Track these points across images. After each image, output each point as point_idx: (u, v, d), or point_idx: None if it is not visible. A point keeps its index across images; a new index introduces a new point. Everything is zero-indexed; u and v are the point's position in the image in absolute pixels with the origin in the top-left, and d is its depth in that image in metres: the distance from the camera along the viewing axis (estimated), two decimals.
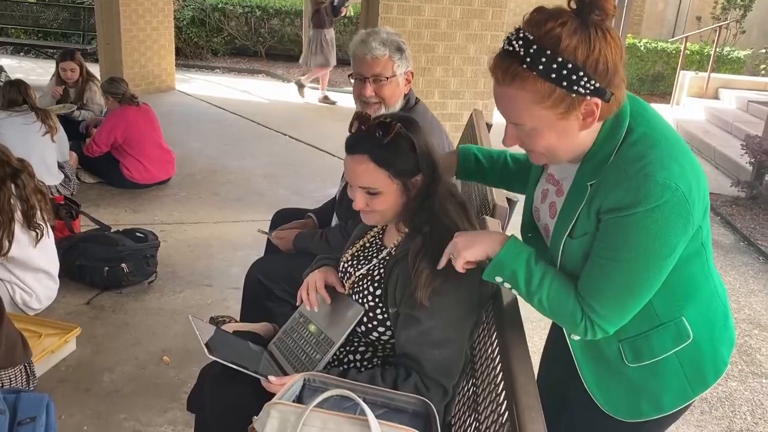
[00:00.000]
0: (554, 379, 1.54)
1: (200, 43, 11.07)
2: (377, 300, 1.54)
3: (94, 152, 4.64)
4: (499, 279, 1.31)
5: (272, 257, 2.46)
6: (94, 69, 7.97)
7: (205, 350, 1.47)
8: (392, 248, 1.58)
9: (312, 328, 1.63)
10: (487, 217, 1.95)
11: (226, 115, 7.46)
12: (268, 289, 2.20)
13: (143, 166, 4.69)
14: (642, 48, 10.56)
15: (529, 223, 1.51)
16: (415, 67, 4.13)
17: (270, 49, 11.39)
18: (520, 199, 1.71)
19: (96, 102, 5.34)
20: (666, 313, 1.30)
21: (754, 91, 8.92)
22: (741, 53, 10.58)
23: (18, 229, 2.76)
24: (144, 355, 2.77)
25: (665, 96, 9.82)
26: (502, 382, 1.25)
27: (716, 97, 9.13)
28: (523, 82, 1.12)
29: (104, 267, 3.20)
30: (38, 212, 2.89)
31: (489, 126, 3.17)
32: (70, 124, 4.95)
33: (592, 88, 1.12)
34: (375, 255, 1.62)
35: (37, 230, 2.88)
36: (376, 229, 1.69)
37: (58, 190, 4.24)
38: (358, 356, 1.60)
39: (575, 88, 1.11)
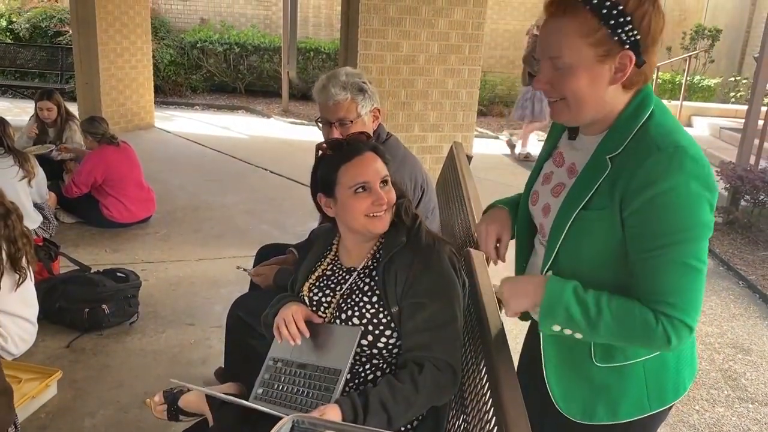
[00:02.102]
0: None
1: (179, 81, 11.09)
2: (377, 306, 1.58)
3: (73, 193, 4.60)
4: (557, 328, 1.24)
5: (254, 294, 2.44)
6: (73, 108, 7.96)
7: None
8: (368, 261, 1.65)
9: (302, 367, 1.61)
10: (472, 249, 1.96)
11: (206, 151, 7.45)
12: (251, 327, 2.18)
13: (123, 206, 4.65)
14: None
15: (523, 219, 1.49)
16: (395, 101, 4.21)
17: (249, 85, 11.45)
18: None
19: (75, 141, 5.31)
20: None
21: (726, 118, 9.14)
22: (711, 81, 10.85)
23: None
24: (126, 398, 2.72)
25: None
26: (494, 418, 1.25)
27: (689, 124, 9.34)
28: (575, 13, 1.18)
29: (84, 309, 3.16)
30: (24, 256, 2.86)
31: (469, 158, 3.20)
32: (48, 163, 4.91)
33: (633, 38, 1.17)
34: (344, 276, 1.67)
35: (20, 274, 2.84)
36: (330, 257, 1.74)
37: (36, 233, 4.18)
38: (368, 367, 1.61)
39: (619, 31, 1.17)
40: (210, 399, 1.65)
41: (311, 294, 1.70)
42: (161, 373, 2.93)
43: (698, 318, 1.21)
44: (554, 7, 1.21)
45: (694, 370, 1.41)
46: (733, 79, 11.03)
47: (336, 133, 2.23)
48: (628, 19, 1.16)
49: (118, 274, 3.42)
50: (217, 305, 3.55)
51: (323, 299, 1.67)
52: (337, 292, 1.65)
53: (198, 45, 11.13)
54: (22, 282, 2.85)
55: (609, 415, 1.35)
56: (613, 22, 1.16)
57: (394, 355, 1.60)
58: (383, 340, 1.58)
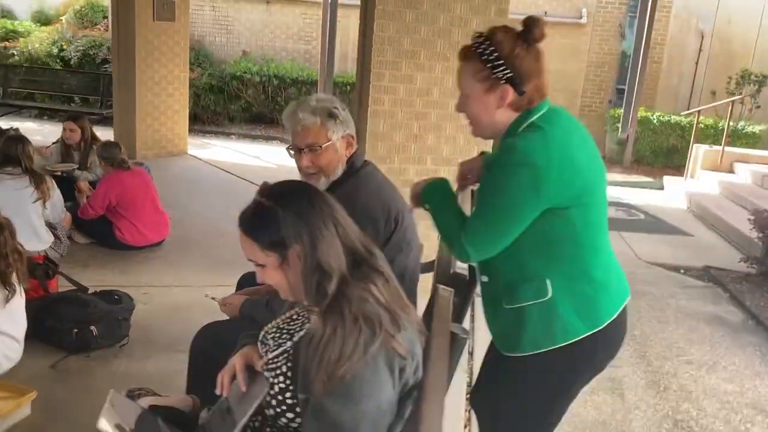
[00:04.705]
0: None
1: (218, 110, 11.32)
2: (288, 382, 1.44)
3: (88, 215, 4.65)
4: (428, 207, 1.79)
5: (221, 322, 2.36)
6: (110, 133, 8.19)
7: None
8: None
9: (228, 411, 1.52)
10: (441, 286, 1.86)
11: (233, 179, 7.51)
12: (215, 357, 2.08)
13: (136, 229, 4.68)
14: (655, 121, 10.54)
15: None
16: (407, 133, 4.14)
17: None
18: None
19: (98, 166, 5.40)
20: (534, 270, 1.69)
21: None
22: (757, 128, 10.49)
23: None
24: None
25: (680, 169, 9.71)
26: None
27: (731, 170, 9.00)
28: (470, 59, 1.66)
29: (73, 329, 3.12)
30: (14, 272, 2.86)
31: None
32: (69, 183, 5.00)
33: (507, 75, 1.62)
34: (297, 330, 1.52)
35: (9, 290, 2.84)
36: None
37: (46, 253, 4.21)
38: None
39: (495, 71, 1.62)
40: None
41: (268, 333, 1.60)
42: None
43: (479, 253, 1.68)
44: (461, 55, 1.70)
45: (595, 325, 1.69)
46: None
47: (305, 161, 2.15)
48: (501, 61, 1.61)
49: (115, 296, 3.40)
50: None
51: (269, 342, 1.56)
52: (280, 346, 1.52)
53: (238, 76, 11.36)
54: (11, 298, 2.84)
55: (516, 347, 1.74)
56: (490, 64, 1.62)
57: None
58: (284, 420, 1.46)
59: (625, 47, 11.93)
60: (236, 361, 1.57)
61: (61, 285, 3.64)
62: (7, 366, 2.92)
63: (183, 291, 4.10)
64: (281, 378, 1.45)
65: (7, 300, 2.83)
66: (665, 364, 3.72)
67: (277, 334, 1.56)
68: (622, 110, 10.69)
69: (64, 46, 11.31)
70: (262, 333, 1.60)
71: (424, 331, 1.49)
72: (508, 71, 1.60)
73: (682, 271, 5.54)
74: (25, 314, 3.02)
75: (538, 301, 1.68)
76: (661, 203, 8.31)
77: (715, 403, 3.34)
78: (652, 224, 7.17)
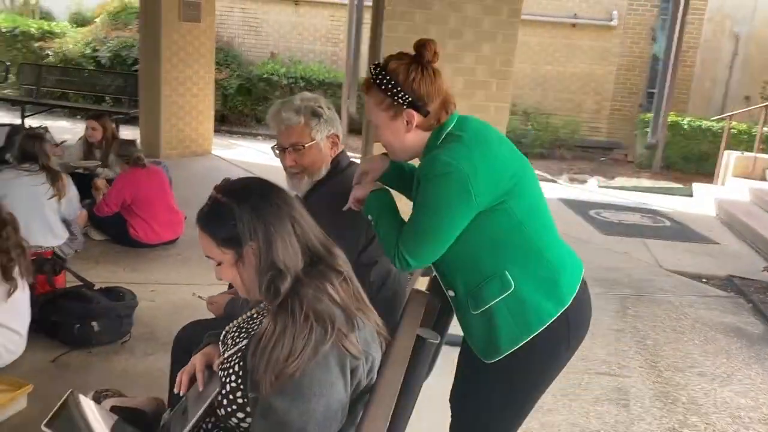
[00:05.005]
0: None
1: (245, 111, 11.43)
2: (239, 381, 1.42)
3: (104, 212, 4.71)
4: (370, 217, 1.81)
5: (205, 321, 2.35)
6: (137, 133, 8.33)
7: None
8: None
9: (184, 411, 1.51)
10: (415, 288, 1.82)
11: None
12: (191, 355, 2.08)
13: (150, 227, 4.73)
14: (686, 126, 10.31)
15: None
16: None
17: None
18: None
19: (116, 164, 5.48)
20: (491, 268, 1.71)
21: None
22: None
23: None
24: None
25: (711, 175, 9.47)
26: None
27: (764, 178, 8.74)
28: (372, 91, 1.73)
29: (75, 324, 3.16)
30: (16, 267, 2.91)
31: None
32: (90, 180, 5.09)
33: (407, 100, 1.68)
34: (255, 329, 1.50)
35: (10, 284, 2.89)
36: None
37: (61, 250, 4.29)
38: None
39: (395, 98, 1.69)
40: None
41: (228, 332, 1.59)
42: (135, 395, 2.87)
43: (418, 262, 1.71)
44: (363, 89, 1.77)
45: (562, 302, 1.72)
46: None
47: (289, 160, 2.14)
48: (399, 88, 1.67)
49: (119, 292, 3.43)
50: None
51: (228, 341, 1.55)
52: (236, 344, 1.51)
53: (265, 77, 11.45)
54: (12, 292, 2.89)
55: (495, 352, 1.73)
56: (389, 93, 1.69)
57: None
58: (234, 420, 1.44)
59: (657, 50, 11.69)
60: (196, 360, 1.56)
61: (69, 281, 3.69)
62: (8, 359, 2.97)
63: (189, 289, 4.11)
64: (233, 377, 1.43)
65: (9, 294, 2.88)
66: (676, 375, 3.60)
67: (236, 333, 1.55)
68: (651, 114, 10.47)
69: (97, 47, 11.55)
70: (224, 332, 1.59)
71: (383, 333, 1.46)
72: (408, 96, 1.67)
73: (704, 279, 5.38)
74: (29, 308, 3.08)
75: (504, 295, 1.70)
76: (689, 210, 8.11)
77: (726, 418, 3.22)
78: (677, 231, 6.99)
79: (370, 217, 1.82)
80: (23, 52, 11.98)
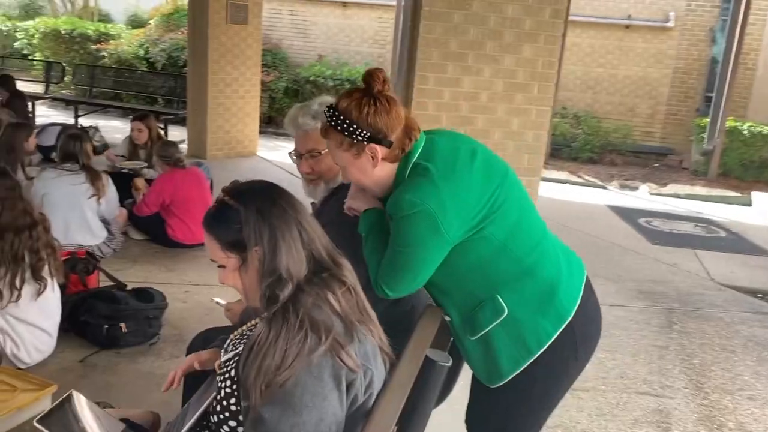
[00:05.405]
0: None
1: None
2: (234, 387, 1.36)
3: (143, 212, 4.77)
4: (363, 230, 1.76)
5: (220, 330, 2.30)
6: (184, 133, 8.47)
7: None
8: None
9: (184, 413, 1.47)
10: (430, 305, 1.73)
11: (296, 180, 7.50)
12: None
13: (187, 227, 4.75)
14: (745, 132, 9.85)
15: None
16: None
17: None
18: None
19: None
20: (482, 293, 1.66)
21: None
22: None
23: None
24: None
25: None
26: None
27: None
28: (330, 134, 1.67)
29: (104, 325, 3.18)
30: (45, 266, 2.94)
31: None
32: (126, 182, 5.15)
33: (365, 135, 1.62)
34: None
35: (41, 283, 2.92)
36: None
37: (100, 249, 4.34)
38: None
39: (354, 135, 1.62)
40: None
41: (231, 340, 1.55)
42: (162, 398, 2.85)
43: (395, 293, 1.68)
44: (322, 133, 1.71)
45: (560, 317, 1.66)
46: None
47: (305, 166, 2.08)
48: (355, 126, 1.61)
49: (149, 294, 3.44)
50: None
51: (230, 348, 1.50)
52: (236, 350, 1.47)
53: (312, 80, 11.49)
54: (42, 291, 2.92)
55: (497, 377, 1.68)
56: (346, 132, 1.62)
57: None
58: (226, 428, 1.39)
59: (716, 53, 11.21)
60: (189, 360, 1.53)
61: (102, 280, 3.72)
62: (37, 357, 3.00)
63: (222, 291, 4.10)
64: (228, 382, 1.39)
65: (38, 293, 2.91)
66: (723, 398, 3.39)
67: (238, 339, 1.51)
68: (708, 119, 10.05)
69: (150, 49, 11.80)
70: (229, 338, 1.54)
71: (387, 350, 1.38)
72: (365, 132, 1.61)
73: (759, 295, 5.09)
74: (59, 308, 3.11)
75: (499, 319, 1.64)
76: (747, 220, 7.73)
77: None
78: (733, 243, 6.66)
79: (363, 233, 1.77)
80: (80, 53, 12.35)
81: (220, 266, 1.44)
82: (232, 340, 1.54)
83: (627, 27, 11.49)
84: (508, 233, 1.64)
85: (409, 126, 1.66)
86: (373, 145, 1.62)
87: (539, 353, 1.64)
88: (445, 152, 1.67)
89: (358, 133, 1.61)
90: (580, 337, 1.70)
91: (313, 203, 2.28)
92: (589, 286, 1.78)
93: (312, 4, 12.76)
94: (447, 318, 1.75)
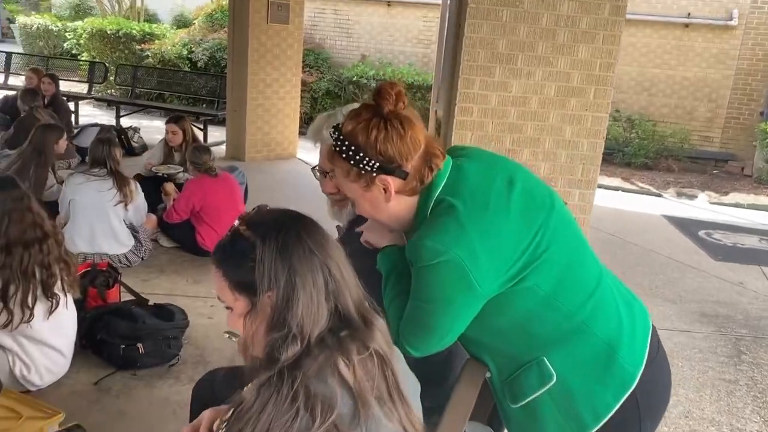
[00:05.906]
0: None
1: None
2: None
3: (173, 219, 4.60)
4: (383, 268, 1.51)
5: (228, 370, 2.04)
6: (224, 134, 8.33)
7: None
8: None
9: None
10: (472, 363, 1.44)
11: None
12: (218, 400, 1.79)
13: (217, 234, 4.54)
14: None
15: None
16: (498, 147, 3.67)
17: None
18: None
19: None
20: (525, 354, 1.39)
21: None
22: None
23: None
24: None
25: None
26: None
27: None
28: (337, 162, 1.41)
29: (121, 345, 2.98)
30: (58, 281, 2.75)
31: None
32: (156, 188, 4.99)
33: (375, 165, 1.35)
34: None
35: (52, 300, 2.73)
36: None
37: (126, 257, 4.18)
38: None
39: (361, 165, 1.36)
40: None
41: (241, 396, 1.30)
42: (176, 429, 2.64)
43: (420, 352, 1.41)
44: (328, 158, 1.50)
45: (624, 385, 1.38)
46: None
47: (329, 186, 1.80)
48: (362, 154, 1.34)
49: (170, 312, 3.22)
50: None
51: None
52: None
53: (354, 80, 11.26)
54: (53, 309, 2.73)
55: None
56: (353, 162, 1.36)
57: None
58: None
59: None
60: (203, 417, 1.34)
61: (124, 294, 3.53)
62: (49, 379, 2.82)
63: None
64: None
65: (50, 311, 2.72)
66: None
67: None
68: None
69: (193, 49, 11.76)
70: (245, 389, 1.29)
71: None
72: (374, 161, 1.34)
73: None
74: (75, 325, 2.92)
75: (547, 387, 1.37)
76: None
77: None
78: None
79: (383, 270, 1.53)
80: (125, 53, 12.39)
81: (227, 308, 1.20)
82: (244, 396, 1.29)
83: (686, 26, 10.90)
84: (556, 283, 1.36)
85: (429, 152, 1.37)
86: (384, 176, 1.36)
87: (596, 429, 1.37)
88: (475, 184, 1.37)
89: (366, 162, 1.35)
90: (644, 408, 1.40)
91: (338, 226, 2.01)
92: (655, 341, 1.47)
93: (356, 3, 12.52)
94: (487, 375, 1.48)
